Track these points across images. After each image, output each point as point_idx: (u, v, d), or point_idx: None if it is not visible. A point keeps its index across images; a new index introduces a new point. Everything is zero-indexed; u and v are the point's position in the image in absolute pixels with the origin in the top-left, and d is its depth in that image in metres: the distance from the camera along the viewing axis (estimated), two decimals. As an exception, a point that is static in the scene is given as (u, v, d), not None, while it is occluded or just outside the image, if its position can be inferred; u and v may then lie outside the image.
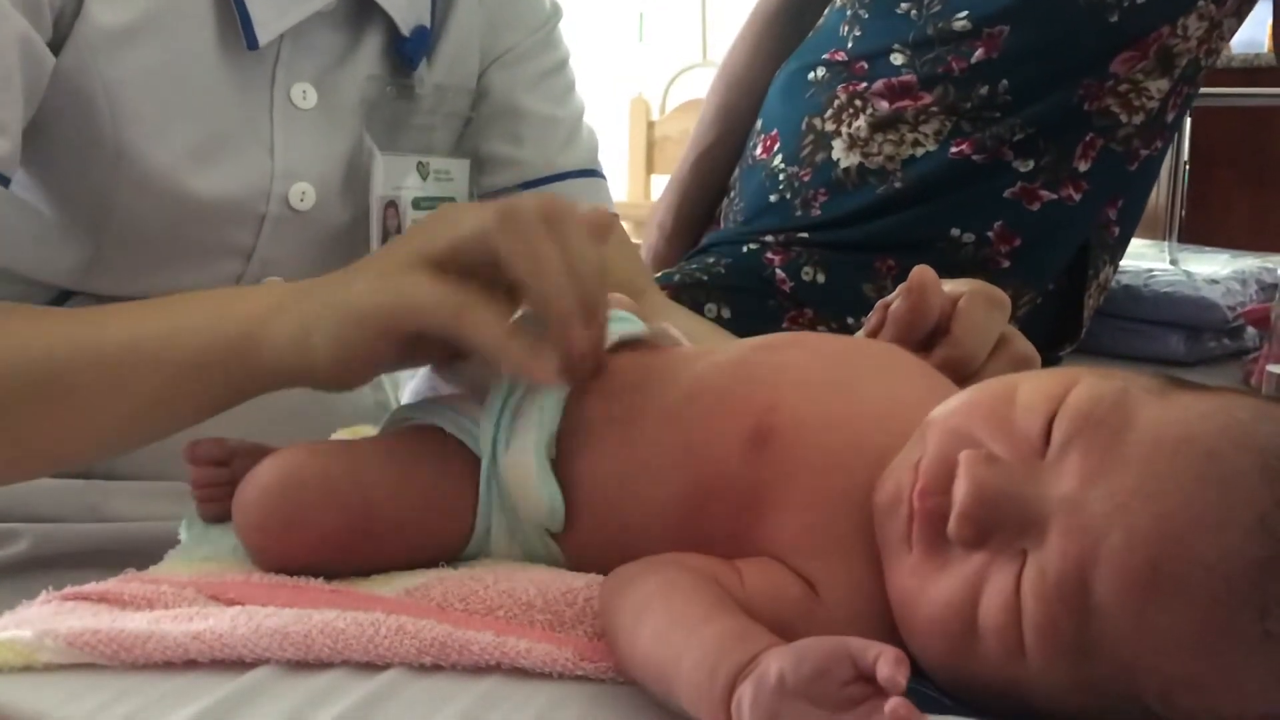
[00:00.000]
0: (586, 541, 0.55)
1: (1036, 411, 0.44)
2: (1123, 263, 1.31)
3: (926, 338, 0.61)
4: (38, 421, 0.61)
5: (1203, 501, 0.39)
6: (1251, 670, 0.38)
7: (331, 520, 0.54)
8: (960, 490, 0.43)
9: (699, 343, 0.65)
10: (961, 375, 0.59)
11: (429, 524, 0.56)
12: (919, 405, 0.50)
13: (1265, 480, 0.39)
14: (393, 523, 0.55)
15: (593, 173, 0.94)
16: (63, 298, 0.78)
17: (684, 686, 0.42)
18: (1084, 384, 0.44)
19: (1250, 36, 2.61)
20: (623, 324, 0.61)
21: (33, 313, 0.67)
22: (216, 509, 0.60)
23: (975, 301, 0.60)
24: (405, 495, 0.55)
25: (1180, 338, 1.23)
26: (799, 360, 0.55)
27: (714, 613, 0.45)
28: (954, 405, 0.48)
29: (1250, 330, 1.24)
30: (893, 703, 0.36)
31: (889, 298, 0.62)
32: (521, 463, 0.55)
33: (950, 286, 0.61)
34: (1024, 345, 0.63)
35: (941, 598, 0.43)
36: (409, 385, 0.69)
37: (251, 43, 0.74)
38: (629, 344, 0.60)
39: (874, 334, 0.62)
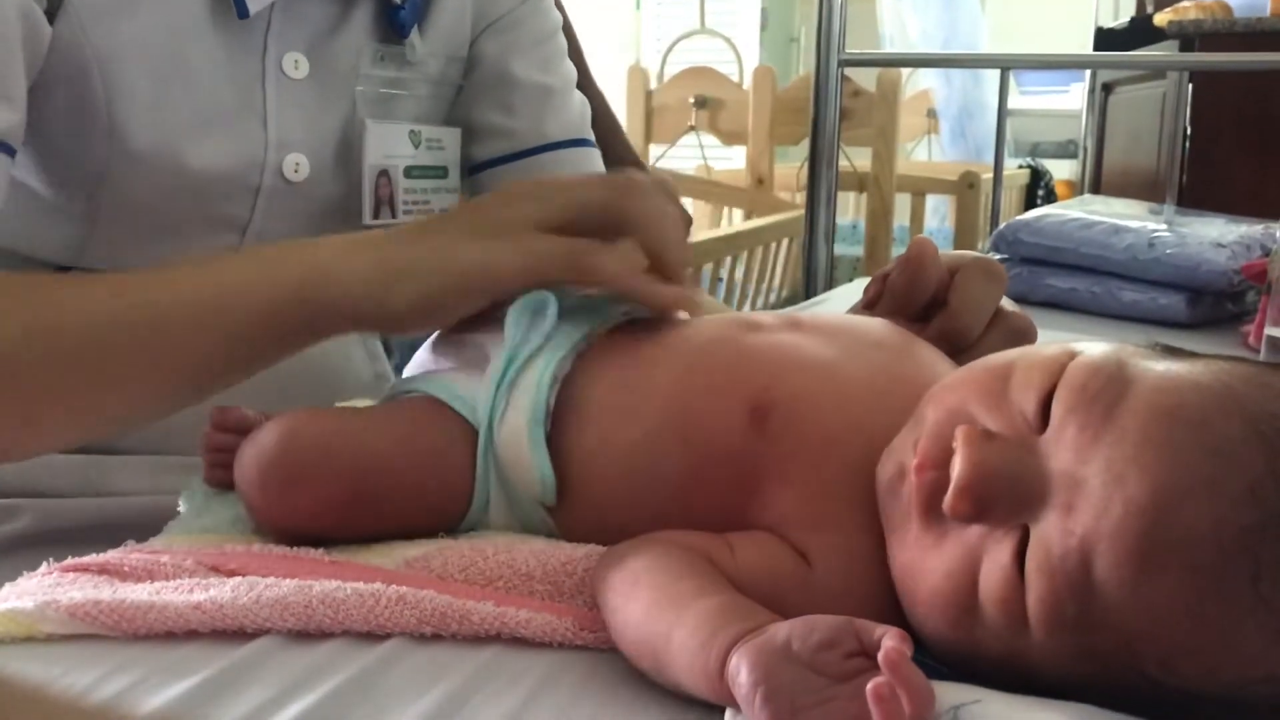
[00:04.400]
0: (581, 516, 0.55)
1: (1032, 386, 0.44)
2: (1125, 224, 1.31)
3: (923, 309, 0.60)
4: (105, 382, 0.61)
5: (1194, 470, 0.39)
6: (1247, 635, 0.38)
7: (330, 482, 0.54)
8: (957, 466, 0.43)
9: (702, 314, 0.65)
10: (959, 347, 0.59)
11: (427, 491, 0.56)
12: (916, 382, 0.50)
13: (1256, 447, 0.39)
14: (390, 487, 0.55)
15: (585, 142, 0.93)
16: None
17: (677, 657, 0.43)
18: (1081, 358, 0.44)
19: (1252, 0, 2.59)
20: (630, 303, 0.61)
21: (76, 279, 0.67)
22: (222, 474, 0.60)
23: (972, 273, 0.60)
24: (403, 461, 0.55)
25: (1183, 300, 1.23)
26: (797, 338, 0.55)
27: (707, 588, 0.45)
28: (951, 382, 0.48)
29: (1251, 296, 1.24)
30: (887, 648, 0.37)
31: (886, 268, 0.62)
32: (514, 435, 0.55)
33: (948, 258, 0.61)
34: (1021, 318, 0.63)
35: (941, 571, 0.43)
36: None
37: (242, 11, 0.73)
38: (633, 320, 0.60)
39: (872, 304, 0.62)
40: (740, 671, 0.39)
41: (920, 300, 0.60)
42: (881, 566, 0.46)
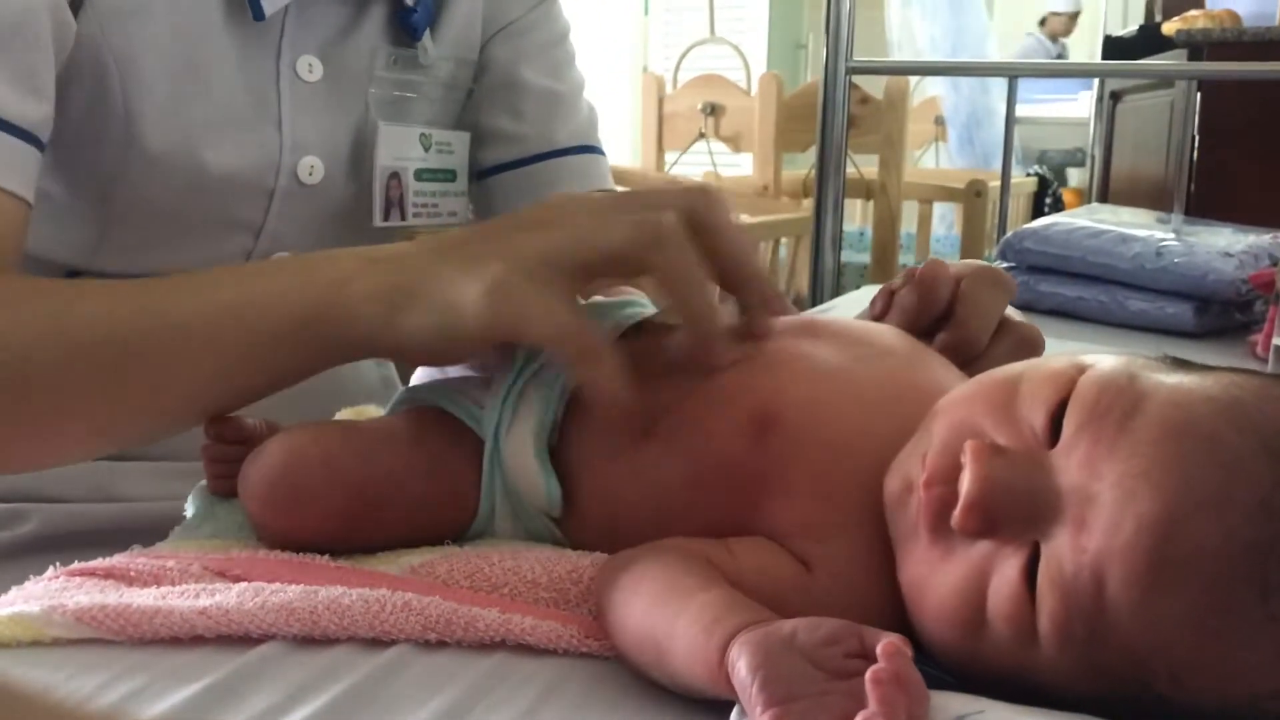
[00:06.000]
0: (587, 526, 0.55)
1: (1041, 400, 0.44)
2: (1132, 233, 1.31)
3: (932, 323, 0.60)
4: (108, 397, 0.59)
5: (1205, 485, 0.39)
6: (1257, 651, 0.38)
7: (335, 498, 0.54)
8: (966, 481, 0.42)
9: None
10: (966, 358, 0.59)
11: (432, 504, 0.56)
12: (925, 390, 0.50)
13: (1266, 462, 0.39)
14: (396, 502, 0.55)
15: (592, 149, 0.93)
16: (69, 276, 0.78)
17: (678, 644, 0.43)
18: (1092, 372, 0.44)
19: (1261, 9, 2.59)
20: (635, 308, 0.61)
21: (96, 286, 0.64)
22: (225, 485, 0.60)
23: (978, 283, 0.60)
24: (408, 475, 0.55)
25: (1190, 309, 1.23)
26: (806, 345, 0.55)
27: (711, 584, 0.45)
28: (959, 395, 0.48)
29: (1258, 305, 1.24)
30: (887, 641, 0.37)
31: (894, 283, 0.61)
32: (520, 447, 0.55)
33: (953, 268, 0.61)
34: (1029, 328, 0.63)
35: (949, 586, 0.43)
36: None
37: (258, 14, 0.74)
38: (639, 326, 0.60)
39: (878, 320, 0.62)
40: (740, 658, 0.39)
41: (930, 317, 0.60)
42: (884, 574, 0.46)
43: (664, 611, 0.44)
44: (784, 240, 3.16)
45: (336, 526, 0.54)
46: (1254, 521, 0.38)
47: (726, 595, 0.44)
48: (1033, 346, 0.61)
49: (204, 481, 0.63)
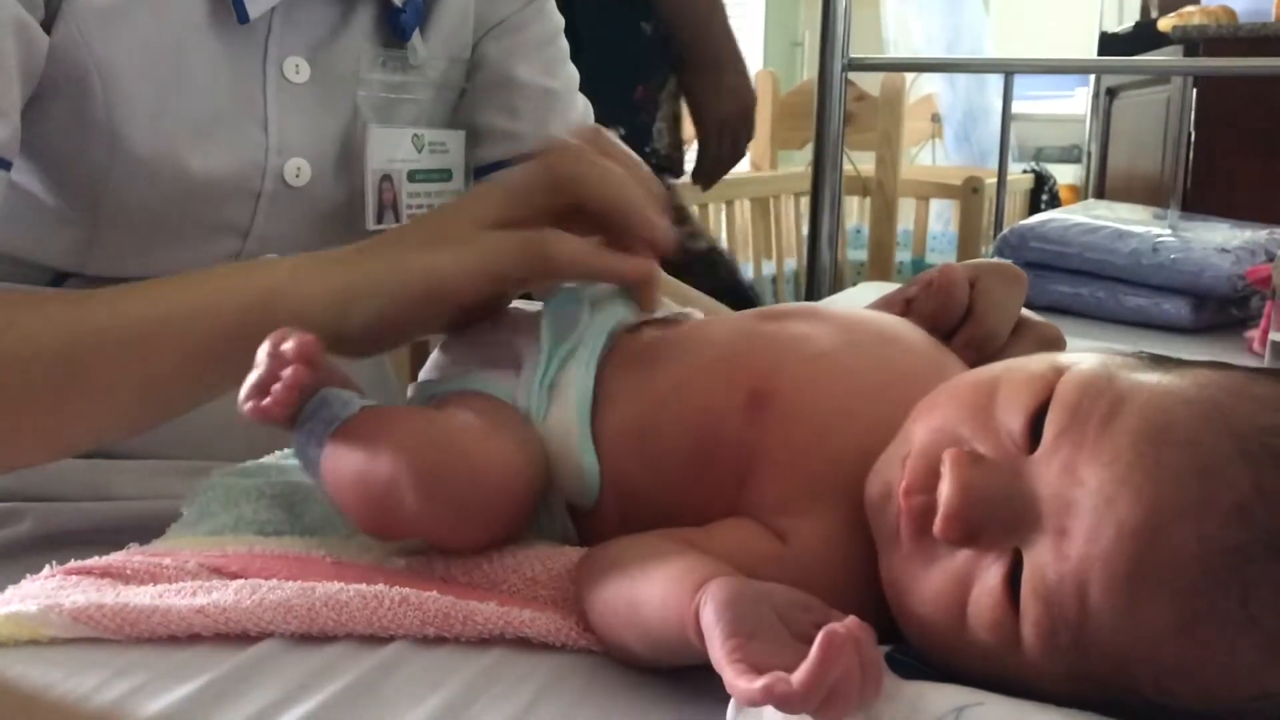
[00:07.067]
0: (600, 515, 0.55)
1: (1019, 405, 0.44)
2: (1129, 229, 1.31)
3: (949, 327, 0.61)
4: (61, 404, 0.61)
5: (1183, 491, 0.39)
6: (1240, 655, 0.38)
7: (502, 503, 0.52)
8: (945, 491, 0.42)
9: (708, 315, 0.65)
10: (985, 354, 0.59)
11: (534, 496, 0.55)
12: (921, 377, 0.50)
13: (1243, 466, 0.39)
14: (527, 497, 0.54)
15: None
16: (58, 280, 0.77)
17: (652, 594, 0.43)
18: (1071, 375, 0.43)
19: (1257, 5, 2.59)
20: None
21: (49, 297, 0.67)
22: (285, 411, 0.51)
23: (993, 279, 0.61)
24: (524, 467, 0.54)
25: (1187, 305, 1.23)
26: (805, 328, 0.56)
27: (687, 550, 0.46)
28: (937, 398, 0.48)
29: (1255, 301, 1.24)
30: (852, 617, 0.37)
31: (908, 291, 0.61)
32: (562, 430, 0.55)
33: (965, 268, 0.61)
34: (1049, 328, 0.63)
35: (930, 593, 0.43)
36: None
37: (242, 16, 0.73)
38: (652, 324, 0.60)
39: None
40: (711, 600, 0.40)
41: (950, 322, 0.60)
42: (860, 557, 0.46)
43: (639, 571, 0.45)
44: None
45: (498, 527, 0.53)
46: (1231, 526, 0.38)
47: (704, 557, 0.45)
48: (1052, 346, 0.61)
49: (201, 480, 0.62)
